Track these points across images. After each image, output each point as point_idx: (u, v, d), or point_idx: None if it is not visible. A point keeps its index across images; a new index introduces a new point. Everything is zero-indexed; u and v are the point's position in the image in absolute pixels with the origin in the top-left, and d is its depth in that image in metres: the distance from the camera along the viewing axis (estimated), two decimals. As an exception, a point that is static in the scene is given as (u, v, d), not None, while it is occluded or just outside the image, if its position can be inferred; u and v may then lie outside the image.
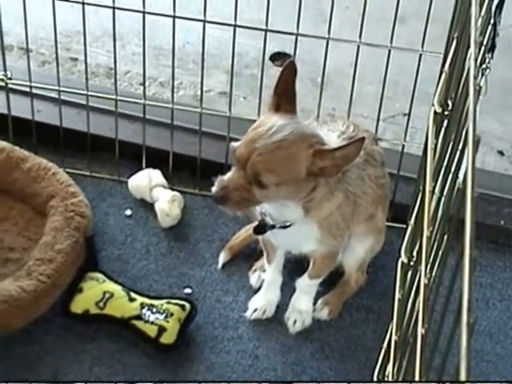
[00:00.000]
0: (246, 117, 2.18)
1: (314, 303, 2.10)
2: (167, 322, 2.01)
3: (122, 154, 2.34)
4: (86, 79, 2.25)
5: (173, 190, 2.29)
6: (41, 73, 2.69)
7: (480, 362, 2.04)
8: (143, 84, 2.31)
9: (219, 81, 2.74)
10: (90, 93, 2.26)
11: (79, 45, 2.74)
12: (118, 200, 2.31)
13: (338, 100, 2.62)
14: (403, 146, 2.21)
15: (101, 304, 2.04)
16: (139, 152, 2.33)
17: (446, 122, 1.39)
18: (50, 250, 2.04)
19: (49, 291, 2.00)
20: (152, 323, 2.00)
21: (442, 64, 1.53)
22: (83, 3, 2.11)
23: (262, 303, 2.09)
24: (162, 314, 2.01)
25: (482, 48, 1.46)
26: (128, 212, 2.28)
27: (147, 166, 2.32)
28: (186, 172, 2.35)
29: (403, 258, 1.46)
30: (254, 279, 2.15)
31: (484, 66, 1.50)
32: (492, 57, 1.53)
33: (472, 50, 1.10)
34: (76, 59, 2.79)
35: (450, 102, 1.37)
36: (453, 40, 1.40)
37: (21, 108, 2.34)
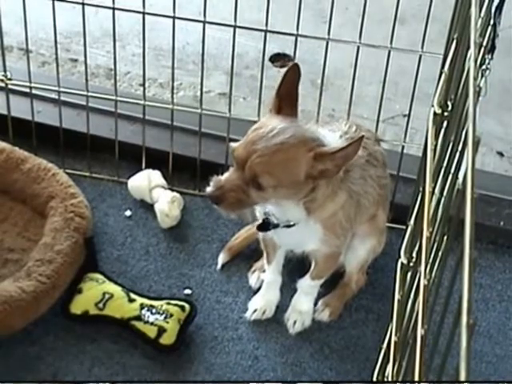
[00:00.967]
0: (246, 118, 2.18)
1: (315, 304, 2.10)
2: (167, 322, 2.01)
3: (122, 155, 2.34)
4: (86, 80, 2.25)
5: (172, 190, 2.29)
6: (41, 73, 2.69)
7: (479, 362, 2.03)
8: (143, 85, 2.31)
9: (219, 81, 2.74)
10: (89, 94, 2.26)
11: (79, 45, 2.75)
12: (117, 201, 2.31)
13: (337, 101, 2.62)
14: (403, 147, 2.21)
15: (100, 305, 2.04)
16: (139, 153, 2.33)
17: (445, 123, 1.39)
18: (50, 251, 2.04)
19: (48, 292, 2.00)
20: (152, 324, 2.00)
21: (441, 65, 1.53)
22: (83, 4, 2.11)
23: (261, 304, 2.09)
24: (161, 314, 2.01)
25: (482, 49, 1.46)
26: (128, 213, 2.28)
27: (147, 167, 2.32)
28: (186, 173, 2.35)
29: (403, 259, 1.47)
30: (253, 280, 2.14)
31: (484, 67, 1.50)
32: (492, 58, 1.53)
33: (472, 51, 1.10)
34: (76, 60, 2.79)
35: (449, 103, 1.37)
36: (452, 41, 1.40)
37: (21, 109, 2.33)
